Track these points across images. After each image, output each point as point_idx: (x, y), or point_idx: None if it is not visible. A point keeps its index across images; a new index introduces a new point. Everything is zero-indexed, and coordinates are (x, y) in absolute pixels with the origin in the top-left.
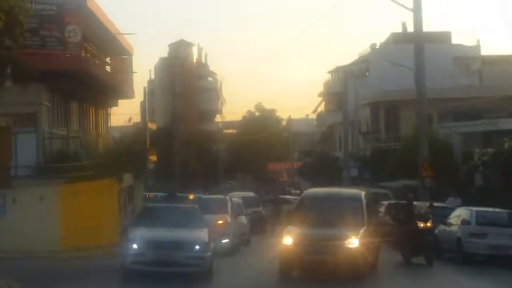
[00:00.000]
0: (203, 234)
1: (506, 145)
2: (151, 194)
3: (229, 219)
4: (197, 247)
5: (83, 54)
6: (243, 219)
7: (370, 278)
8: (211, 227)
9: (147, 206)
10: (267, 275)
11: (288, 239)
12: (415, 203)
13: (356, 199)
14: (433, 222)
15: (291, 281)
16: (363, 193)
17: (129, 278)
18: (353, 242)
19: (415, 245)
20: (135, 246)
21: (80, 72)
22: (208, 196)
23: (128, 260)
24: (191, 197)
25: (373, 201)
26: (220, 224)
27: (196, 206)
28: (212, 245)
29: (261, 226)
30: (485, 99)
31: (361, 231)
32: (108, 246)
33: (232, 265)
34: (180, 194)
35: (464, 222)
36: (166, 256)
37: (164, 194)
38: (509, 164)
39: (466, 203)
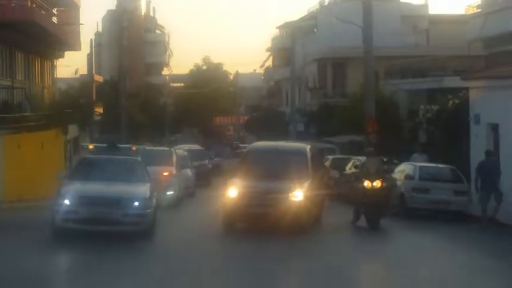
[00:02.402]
0: (144, 189)
1: (450, 103)
2: (90, 144)
3: (174, 172)
4: (136, 204)
5: (29, 4)
6: (188, 172)
7: (313, 231)
8: (155, 180)
9: (83, 157)
10: (211, 228)
11: (232, 191)
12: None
13: (301, 153)
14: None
15: (234, 233)
16: (308, 147)
17: (59, 237)
18: (297, 195)
19: (382, 205)
20: (66, 202)
21: (26, 23)
22: (153, 148)
23: (59, 217)
24: (134, 148)
25: (319, 155)
26: (165, 176)
27: (139, 158)
28: (154, 200)
29: (206, 179)
30: (431, 58)
31: (306, 184)
32: (52, 198)
33: (175, 218)
34: (121, 145)
35: (408, 177)
36: (102, 214)
37: (104, 145)
38: (452, 121)
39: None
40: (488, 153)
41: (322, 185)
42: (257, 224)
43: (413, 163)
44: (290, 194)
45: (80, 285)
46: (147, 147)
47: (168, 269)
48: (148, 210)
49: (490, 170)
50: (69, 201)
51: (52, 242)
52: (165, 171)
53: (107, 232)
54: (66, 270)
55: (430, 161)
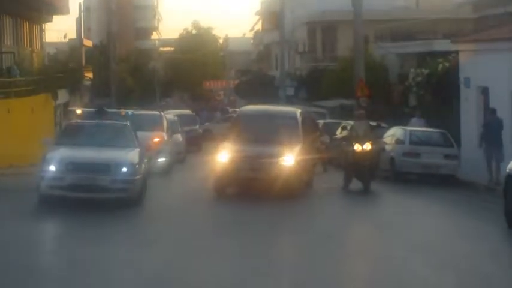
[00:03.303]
0: (132, 155)
1: (440, 66)
2: (78, 109)
3: (165, 137)
4: (124, 169)
5: None
6: (179, 137)
7: (304, 195)
8: (144, 146)
9: (70, 122)
10: (202, 193)
11: (222, 156)
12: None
13: (291, 117)
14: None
15: (225, 199)
16: (298, 111)
17: (44, 205)
18: (287, 159)
19: (372, 168)
20: (52, 168)
21: None
22: (142, 112)
23: (44, 183)
24: (122, 113)
25: (310, 119)
26: (156, 142)
27: (128, 123)
28: (143, 166)
29: (197, 145)
30: (420, 21)
31: (296, 149)
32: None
33: (166, 185)
34: (110, 110)
35: (398, 142)
36: (88, 180)
37: (92, 110)
38: (442, 85)
39: (402, 123)
40: (492, 111)
41: (314, 150)
42: (248, 189)
43: (404, 127)
44: (281, 159)
45: (62, 254)
46: (136, 112)
47: (156, 235)
48: (137, 177)
49: (495, 126)
50: (55, 167)
51: (36, 210)
52: (155, 137)
53: (95, 199)
54: (48, 239)
55: (428, 126)
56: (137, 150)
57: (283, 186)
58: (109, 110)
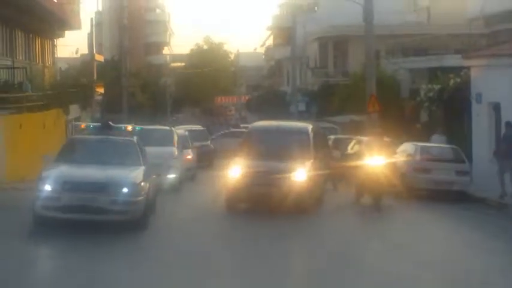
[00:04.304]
0: (136, 174)
1: (451, 81)
2: (82, 123)
3: (175, 153)
4: (125, 190)
5: None
6: (190, 152)
7: (315, 211)
8: (155, 161)
9: (72, 138)
10: (212, 211)
11: (234, 171)
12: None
13: (303, 132)
14: None
15: (236, 215)
16: (310, 126)
17: (39, 226)
18: (299, 174)
19: (384, 184)
20: (47, 187)
21: (26, 1)
22: (152, 127)
23: (39, 203)
24: (129, 128)
25: (321, 135)
26: (166, 157)
27: (134, 139)
28: (148, 185)
29: (208, 160)
30: (432, 36)
31: (308, 164)
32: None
33: (175, 203)
34: (116, 125)
35: (409, 157)
36: (85, 200)
37: (97, 124)
38: (454, 100)
39: (414, 138)
40: (508, 124)
41: (325, 165)
42: (259, 204)
43: (415, 143)
44: (292, 174)
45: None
46: (146, 127)
47: (160, 257)
48: (139, 198)
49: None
50: (50, 186)
51: (29, 232)
52: (165, 153)
53: (93, 221)
54: (39, 268)
55: (451, 143)
56: (142, 168)
57: (295, 202)
58: (115, 125)
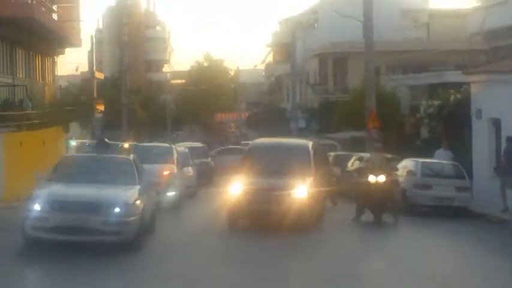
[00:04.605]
0: (130, 193)
1: (452, 98)
2: (78, 141)
3: (175, 170)
4: (117, 210)
5: (29, 1)
6: (190, 170)
7: (316, 228)
8: (154, 179)
9: (66, 156)
10: (212, 229)
11: (235, 188)
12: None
13: (303, 149)
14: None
15: (236, 232)
16: (310, 143)
17: (29, 248)
18: (300, 191)
19: (386, 200)
20: (37, 207)
21: (25, 19)
22: (151, 144)
23: (28, 224)
24: (126, 145)
25: (322, 152)
26: (165, 175)
27: (130, 157)
28: (143, 205)
29: (208, 177)
30: (432, 53)
31: (308, 181)
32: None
33: (174, 221)
34: (112, 142)
35: (410, 174)
36: (75, 221)
37: (92, 142)
38: (454, 116)
39: (414, 155)
40: (509, 139)
41: (325, 182)
42: (261, 221)
43: (416, 159)
44: (293, 191)
45: None
46: (145, 144)
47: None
48: (132, 218)
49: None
50: (40, 206)
51: (18, 253)
52: (165, 170)
53: (84, 243)
54: None
55: (455, 159)
56: (137, 187)
57: (296, 219)
58: (111, 142)
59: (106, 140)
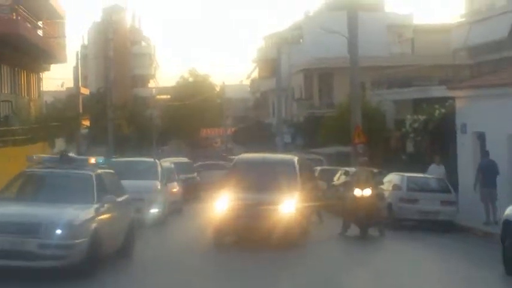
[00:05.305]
0: (80, 212)
1: (437, 112)
2: (38, 155)
3: (159, 186)
4: (58, 232)
5: (14, 17)
6: (175, 185)
7: (302, 243)
8: (113, 200)
9: (22, 171)
10: (194, 246)
11: (221, 204)
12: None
13: (289, 164)
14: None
15: (223, 249)
16: (295, 158)
17: None
18: (287, 206)
19: (372, 214)
20: None
21: (11, 35)
22: (134, 159)
23: None
24: (92, 160)
25: (307, 166)
26: (148, 191)
27: (94, 173)
28: (94, 227)
29: (194, 193)
30: (416, 68)
31: (296, 195)
32: None
33: (155, 239)
34: (77, 156)
35: (396, 188)
36: (11, 244)
37: (54, 156)
38: (439, 131)
39: (400, 169)
40: (486, 153)
41: (311, 196)
42: (247, 237)
43: (400, 173)
44: (280, 206)
45: None
46: (129, 159)
47: None
48: (78, 240)
49: (490, 168)
50: None
51: None
52: (148, 186)
53: (20, 268)
54: None
55: (447, 174)
56: (93, 206)
57: (284, 234)
58: (78, 157)
59: (70, 154)
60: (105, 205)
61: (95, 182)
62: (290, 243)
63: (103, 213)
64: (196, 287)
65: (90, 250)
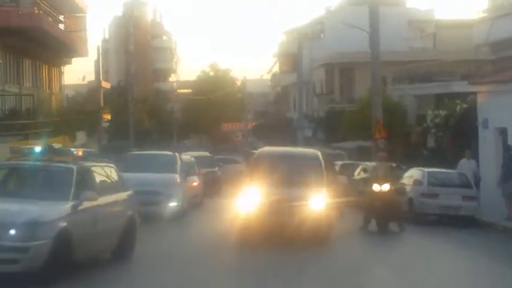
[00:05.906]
0: (46, 210)
1: (458, 107)
2: (23, 147)
3: (178, 180)
4: (12, 232)
5: (36, 11)
6: (195, 179)
7: (330, 239)
8: (90, 196)
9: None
10: (211, 242)
11: (247, 200)
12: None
13: (314, 158)
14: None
15: (250, 247)
16: (319, 152)
17: None
18: (317, 202)
19: (391, 209)
20: None
21: (33, 29)
22: (152, 152)
23: None
24: (78, 152)
25: (328, 161)
26: (166, 185)
27: (74, 167)
28: (63, 226)
29: (216, 187)
30: (438, 63)
31: (323, 191)
32: None
33: (175, 234)
34: (62, 148)
35: (416, 183)
36: None
37: (39, 149)
38: (460, 126)
39: (421, 164)
40: (508, 148)
41: (334, 192)
42: (276, 234)
43: (422, 168)
44: (310, 202)
45: None
46: (146, 152)
47: None
48: (38, 242)
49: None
50: None
51: None
52: (167, 179)
53: None
54: None
55: (435, 166)
56: (68, 203)
57: (314, 231)
58: (64, 149)
59: (53, 145)
60: (84, 203)
61: (74, 177)
62: (320, 241)
63: (81, 212)
64: (203, 284)
65: (54, 253)
